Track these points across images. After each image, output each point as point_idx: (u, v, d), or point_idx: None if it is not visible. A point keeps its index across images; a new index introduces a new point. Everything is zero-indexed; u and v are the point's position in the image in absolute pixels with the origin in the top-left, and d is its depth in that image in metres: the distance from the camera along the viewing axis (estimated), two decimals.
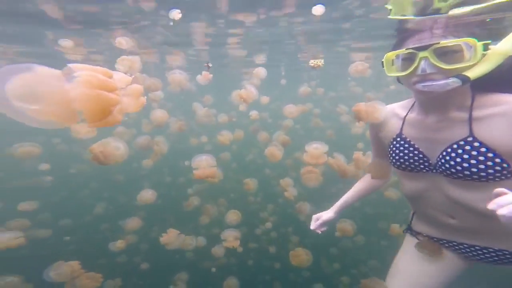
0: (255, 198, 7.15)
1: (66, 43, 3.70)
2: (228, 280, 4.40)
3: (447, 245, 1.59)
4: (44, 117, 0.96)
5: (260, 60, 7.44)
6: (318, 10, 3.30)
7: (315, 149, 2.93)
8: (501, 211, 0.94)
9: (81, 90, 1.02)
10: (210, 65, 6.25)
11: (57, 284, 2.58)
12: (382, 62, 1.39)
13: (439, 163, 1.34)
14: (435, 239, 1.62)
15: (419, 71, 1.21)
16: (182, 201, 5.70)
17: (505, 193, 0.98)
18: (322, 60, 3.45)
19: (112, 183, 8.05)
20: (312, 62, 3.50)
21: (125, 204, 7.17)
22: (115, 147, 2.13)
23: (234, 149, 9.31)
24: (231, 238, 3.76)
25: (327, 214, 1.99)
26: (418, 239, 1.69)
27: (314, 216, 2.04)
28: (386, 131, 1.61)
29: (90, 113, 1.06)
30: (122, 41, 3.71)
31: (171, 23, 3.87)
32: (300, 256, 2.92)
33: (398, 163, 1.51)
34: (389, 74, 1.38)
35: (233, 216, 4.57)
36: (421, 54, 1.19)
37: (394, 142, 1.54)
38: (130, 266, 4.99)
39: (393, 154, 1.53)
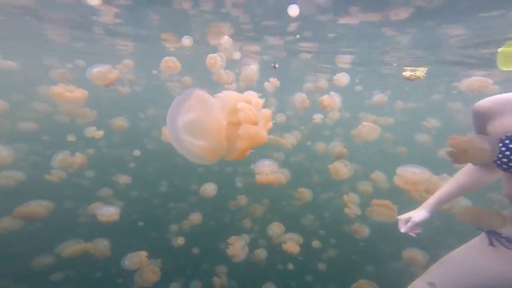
0: (298, 202, 6.90)
1: (188, 40, 4.08)
2: (267, 285, 4.39)
3: None
4: (206, 154, 0.94)
5: (344, 64, 6.87)
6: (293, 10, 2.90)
7: (413, 175, 2.54)
8: None
9: (247, 129, 0.98)
10: (277, 65, 6.17)
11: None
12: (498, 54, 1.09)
13: None
14: None
15: None
16: (230, 194, 5.83)
17: None
18: (425, 71, 2.93)
19: (171, 164, 8.77)
20: (408, 73, 3.01)
21: (180, 185, 7.76)
22: None
23: (285, 149, 9.13)
24: (292, 242, 3.61)
25: (418, 214, 1.68)
26: (491, 240, 1.47)
27: (402, 218, 1.74)
28: (500, 125, 1.31)
29: (243, 150, 1.00)
30: (226, 40, 3.89)
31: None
32: None
33: (504, 166, 1.26)
34: (506, 69, 1.06)
35: (276, 229, 4.43)
36: None
37: (508, 141, 1.26)
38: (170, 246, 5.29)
39: (500, 155, 1.27)
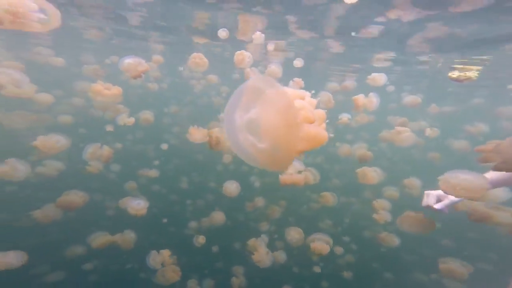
0: (316, 205, 6.68)
1: (224, 33, 4.06)
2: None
3: None
4: (265, 158, 0.82)
5: (382, 63, 6.52)
6: None
7: (465, 181, 2.27)
8: None
9: (309, 129, 0.86)
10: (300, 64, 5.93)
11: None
12: None
13: None
14: None
15: None
16: (247, 194, 5.76)
17: None
18: (476, 72, 2.66)
19: (192, 162, 8.86)
20: (456, 73, 2.75)
21: (200, 183, 7.81)
22: None
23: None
24: (321, 242, 3.42)
25: None
26: None
27: (432, 193, 1.61)
28: None
29: (301, 152, 0.89)
30: (259, 35, 3.80)
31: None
32: None
33: None
34: None
35: (295, 234, 4.25)
36: None
37: None
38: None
39: None
